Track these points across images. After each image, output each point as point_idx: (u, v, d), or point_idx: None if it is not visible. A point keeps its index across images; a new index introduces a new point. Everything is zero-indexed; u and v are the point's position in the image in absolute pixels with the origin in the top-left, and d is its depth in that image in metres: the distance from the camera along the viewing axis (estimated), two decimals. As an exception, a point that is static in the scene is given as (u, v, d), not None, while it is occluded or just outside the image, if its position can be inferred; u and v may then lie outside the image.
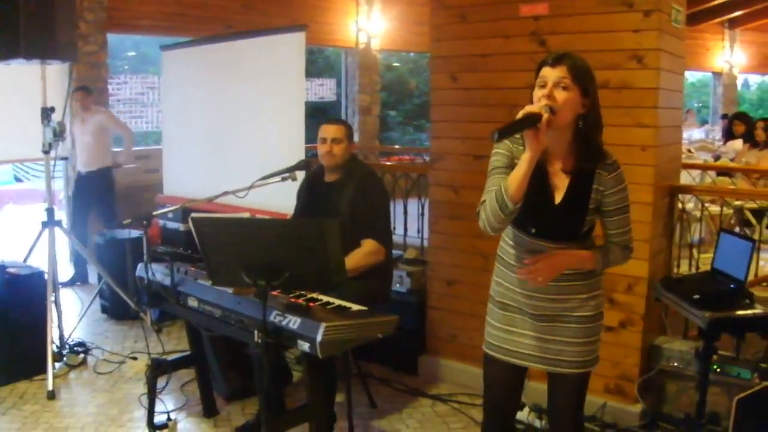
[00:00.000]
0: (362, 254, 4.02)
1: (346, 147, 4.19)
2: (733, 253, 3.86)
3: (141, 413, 4.27)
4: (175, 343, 5.55)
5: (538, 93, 2.56)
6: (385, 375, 5.03)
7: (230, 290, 3.52)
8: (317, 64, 14.26)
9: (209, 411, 4.39)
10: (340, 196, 4.16)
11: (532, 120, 2.44)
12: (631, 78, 4.06)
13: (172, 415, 4.20)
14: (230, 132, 6.16)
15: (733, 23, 14.34)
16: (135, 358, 5.32)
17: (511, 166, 2.66)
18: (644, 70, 4.02)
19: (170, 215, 5.92)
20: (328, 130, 4.18)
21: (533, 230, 2.74)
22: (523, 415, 4.21)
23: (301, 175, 4.40)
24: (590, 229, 2.79)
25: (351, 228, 4.01)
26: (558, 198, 2.69)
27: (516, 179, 2.52)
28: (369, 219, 4.10)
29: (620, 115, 4.05)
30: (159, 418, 4.09)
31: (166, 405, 4.32)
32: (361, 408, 4.46)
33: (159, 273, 3.95)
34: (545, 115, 2.45)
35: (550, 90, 2.53)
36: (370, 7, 11.64)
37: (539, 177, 2.65)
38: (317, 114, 12.01)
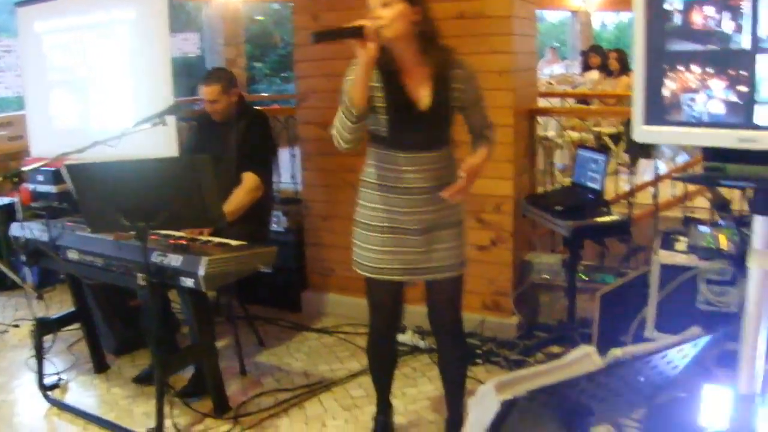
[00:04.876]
0: (243, 191, 4.08)
1: (227, 100, 4.22)
2: (590, 167, 4.11)
3: (30, 377, 4.18)
4: (57, 308, 5.43)
5: (369, 17, 2.68)
6: (270, 315, 5.11)
7: (110, 237, 3.52)
8: (180, 19, 13.92)
9: (99, 367, 4.34)
10: (228, 137, 4.22)
11: (356, 31, 2.56)
12: (486, 7, 4.20)
13: (63, 375, 4.18)
14: (97, 90, 6.00)
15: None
16: (17, 326, 5.20)
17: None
18: (498, 0, 4.18)
19: (41, 178, 5.78)
20: (204, 92, 4.19)
21: (406, 142, 2.85)
22: (406, 337, 4.38)
23: (171, 120, 4.39)
24: (450, 136, 2.96)
25: (237, 167, 4.10)
26: (423, 105, 2.82)
27: (354, 85, 2.68)
28: (252, 156, 4.17)
29: (478, 42, 4.20)
30: (49, 380, 4.06)
31: (55, 366, 4.25)
32: (249, 348, 4.52)
33: (35, 230, 3.88)
34: (370, 27, 2.57)
35: (376, 12, 2.64)
36: (229, -43, 11.39)
37: (400, 92, 2.80)
38: (185, 70, 11.76)
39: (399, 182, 2.90)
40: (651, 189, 5.14)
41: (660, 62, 1.69)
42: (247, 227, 4.05)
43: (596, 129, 6.88)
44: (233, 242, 3.52)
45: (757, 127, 1.61)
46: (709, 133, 1.66)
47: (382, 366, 3.37)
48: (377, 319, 3.19)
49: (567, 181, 5.61)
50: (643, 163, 6.79)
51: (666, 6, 1.66)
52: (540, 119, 5.20)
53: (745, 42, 1.61)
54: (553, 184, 5.48)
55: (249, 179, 4.12)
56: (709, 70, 1.64)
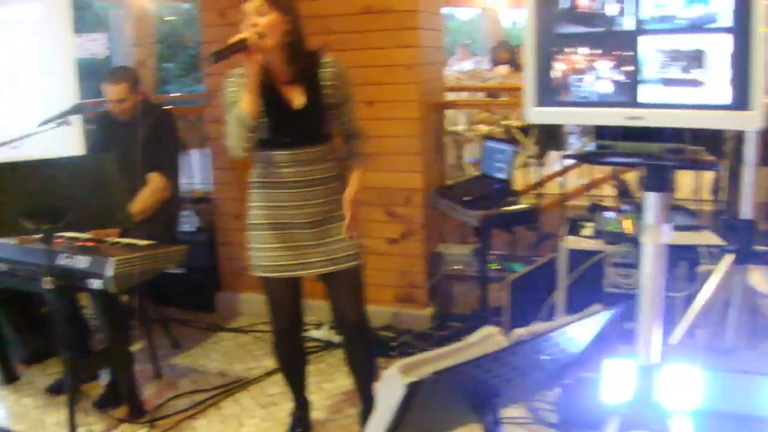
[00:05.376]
0: (149, 191, 4.04)
1: (132, 99, 4.15)
2: (496, 158, 4.18)
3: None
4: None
5: (244, 25, 2.82)
6: (184, 317, 5.05)
7: (14, 241, 3.43)
8: (87, 20, 13.59)
9: (9, 377, 4.22)
10: (133, 136, 4.13)
11: (241, 44, 2.74)
12: (392, 2, 4.25)
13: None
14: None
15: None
16: None
17: None
18: (405, -6, 4.22)
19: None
20: (109, 92, 4.12)
21: (285, 140, 2.98)
22: (321, 333, 4.39)
23: (76, 121, 4.31)
24: (329, 132, 3.08)
25: (142, 167, 4.05)
26: (297, 105, 2.97)
27: (246, 96, 2.83)
28: (158, 156, 4.12)
29: (384, 37, 4.26)
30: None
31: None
32: (164, 350, 4.46)
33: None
34: (252, 38, 2.74)
35: (252, 20, 2.80)
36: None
37: (275, 97, 2.96)
38: (93, 71, 11.44)
39: (281, 178, 3.02)
40: (559, 179, 5.26)
41: (549, 45, 1.74)
42: (155, 228, 4.01)
43: (505, 122, 6.98)
44: (141, 242, 3.48)
45: (642, 105, 1.67)
46: (598, 112, 1.72)
47: (291, 364, 3.42)
48: (278, 318, 3.25)
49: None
50: (553, 155, 6.92)
51: (554, -10, 1.71)
52: (449, 114, 5.27)
53: (628, 24, 1.67)
54: (463, 177, 5.55)
55: (155, 179, 4.07)
56: (596, 51, 1.69)
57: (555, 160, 6.76)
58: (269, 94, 2.92)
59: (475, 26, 17.14)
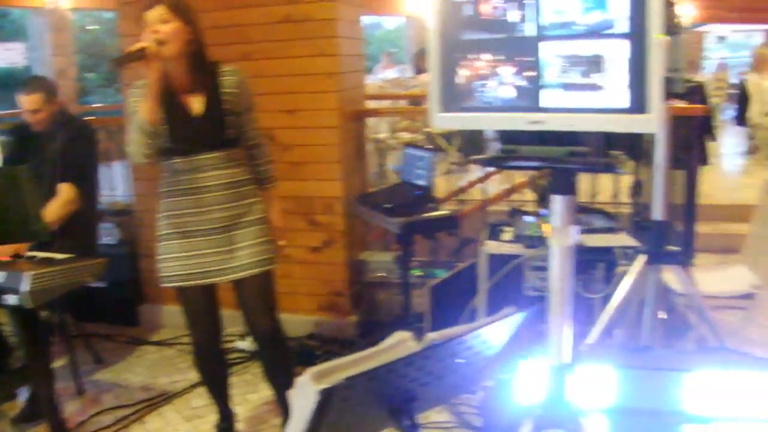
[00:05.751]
0: (58, 203, 3.93)
1: (48, 110, 4.04)
2: (417, 165, 4.21)
3: None
4: None
5: (146, 33, 2.83)
6: (107, 331, 4.96)
7: None
8: (5, 28, 13.28)
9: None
10: (49, 147, 4.03)
11: (142, 53, 2.75)
12: (312, 10, 4.25)
13: None
14: None
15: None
16: None
17: None
18: (323, 3, 4.24)
19: None
20: (23, 102, 4.02)
21: (186, 147, 2.99)
22: (246, 344, 4.36)
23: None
24: (235, 138, 3.08)
25: (58, 179, 3.96)
26: (197, 111, 2.98)
27: (145, 103, 2.82)
28: (70, 164, 4.02)
29: (304, 46, 4.26)
30: None
31: None
32: (86, 366, 4.37)
33: None
34: (152, 47, 2.75)
35: (155, 27, 2.82)
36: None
37: (175, 105, 2.97)
38: (10, 81, 11.17)
39: (183, 185, 3.03)
40: (482, 185, 5.32)
41: (453, 51, 1.76)
42: (74, 241, 3.92)
43: (428, 130, 7.03)
44: (59, 256, 3.40)
45: (544, 110, 1.71)
46: (501, 117, 1.75)
47: (213, 376, 3.40)
48: (196, 329, 3.24)
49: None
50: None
51: (457, -2, 1.74)
52: (372, 122, 5.29)
53: (529, 30, 1.70)
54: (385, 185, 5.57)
55: (65, 191, 3.97)
56: (499, 57, 1.72)
57: (478, 167, 6.84)
58: (169, 102, 2.94)
59: (401, 34, 17.25)
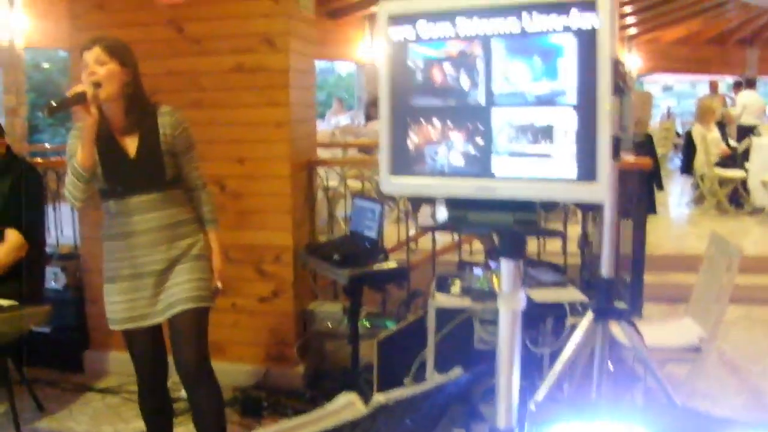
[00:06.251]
0: (5, 249, 3.85)
1: None
2: (366, 216, 4.21)
3: None
4: None
5: (83, 76, 2.85)
6: (50, 377, 4.82)
7: None
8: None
9: None
10: None
11: (80, 97, 2.76)
12: (264, 60, 4.27)
13: None
14: None
15: (373, 18, 15.25)
16: None
17: None
18: (276, 54, 4.26)
19: None
20: None
21: (120, 189, 3.00)
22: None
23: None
24: (174, 178, 3.08)
25: (4, 222, 3.88)
26: (132, 153, 2.99)
27: (81, 148, 2.84)
28: (17, 209, 3.95)
29: (255, 95, 4.28)
30: None
31: None
32: (27, 414, 4.24)
33: None
34: (90, 90, 2.77)
35: (91, 68, 2.84)
36: (11, 2, 10.80)
37: (112, 146, 2.98)
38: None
39: (119, 228, 3.05)
40: (430, 234, 5.31)
41: (405, 116, 1.77)
42: (17, 286, 3.84)
43: (377, 177, 7.06)
44: (2, 302, 3.34)
45: (494, 177, 1.72)
46: (451, 183, 1.75)
47: (156, 420, 3.34)
48: (139, 371, 3.21)
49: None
50: (425, 210, 7.03)
51: (409, 63, 1.75)
52: (322, 170, 5.30)
53: (480, 97, 1.72)
54: (335, 233, 5.56)
55: (12, 237, 3.89)
56: (450, 123, 1.73)
57: (428, 215, 6.86)
58: (105, 143, 2.94)
59: (353, 81, 17.39)
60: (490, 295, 3.61)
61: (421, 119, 1.75)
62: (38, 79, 16.62)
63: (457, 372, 2.14)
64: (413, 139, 1.76)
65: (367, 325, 4.39)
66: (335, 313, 4.45)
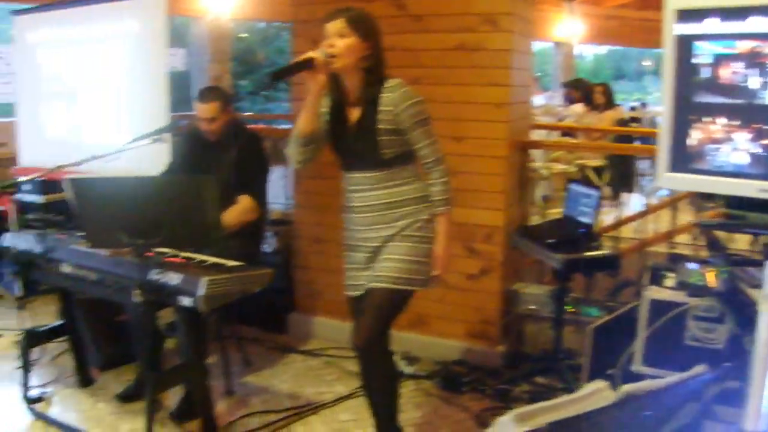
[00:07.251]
0: (239, 211, 4.07)
1: (223, 119, 4.17)
2: (581, 202, 4.18)
3: (12, 389, 4.11)
4: (38, 319, 5.36)
5: (323, 45, 2.88)
6: (256, 335, 5.09)
7: (106, 252, 3.51)
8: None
9: (84, 381, 4.29)
10: (223, 156, 4.16)
11: (306, 63, 2.82)
12: (486, 40, 4.27)
13: (47, 388, 4.14)
14: (90, 103, 5.97)
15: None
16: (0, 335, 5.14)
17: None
18: (498, 34, 4.25)
19: (27, 187, 5.69)
20: (201, 110, 4.14)
21: (342, 163, 3.10)
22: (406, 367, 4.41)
23: (167, 137, 4.37)
24: (398, 156, 3.01)
25: (232, 187, 4.07)
26: (353, 128, 3.03)
27: (303, 113, 2.95)
28: (248, 177, 4.16)
29: (476, 74, 4.29)
30: (33, 393, 4.01)
31: (39, 378, 4.21)
32: (235, 367, 4.49)
33: (28, 241, 3.85)
34: (320, 58, 2.82)
35: (331, 41, 2.88)
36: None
37: (340, 117, 3.05)
38: (171, 85, 11.61)
39: (348, 201, 3.14)
40: (634, 223, 5.22)
41: (687, 113, 1.75)
42: (243, 247, 4.02)
43: (580, 162, 6.97)
44: (229, 262, 3.50)
45: (777, 179, 1.68)
46: (731, 183, 1.73)
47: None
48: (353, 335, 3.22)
49: (553, 212, 5.68)
50: (624, 196, 6.90)
51: (694, 60, 1.73)
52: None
53: (771, 98, 1.68)
54: (540, 215, 5.55)
55: (245, 201, 4.10)
56: (735, 122, 1.70)
57: (627, 202, 6.73)
58: (336, 113, 3.04)
59: (547, 59, 17.10)
60: (706, 291, 3.51)
61: (704, 116, 1.73)
62: (237, 48, 17.36)
63: (698, 369, 2.11)
64: (695, 136, 1.75)
65: (571, 310, 4.38)
66: (540, 295, 4.45)
